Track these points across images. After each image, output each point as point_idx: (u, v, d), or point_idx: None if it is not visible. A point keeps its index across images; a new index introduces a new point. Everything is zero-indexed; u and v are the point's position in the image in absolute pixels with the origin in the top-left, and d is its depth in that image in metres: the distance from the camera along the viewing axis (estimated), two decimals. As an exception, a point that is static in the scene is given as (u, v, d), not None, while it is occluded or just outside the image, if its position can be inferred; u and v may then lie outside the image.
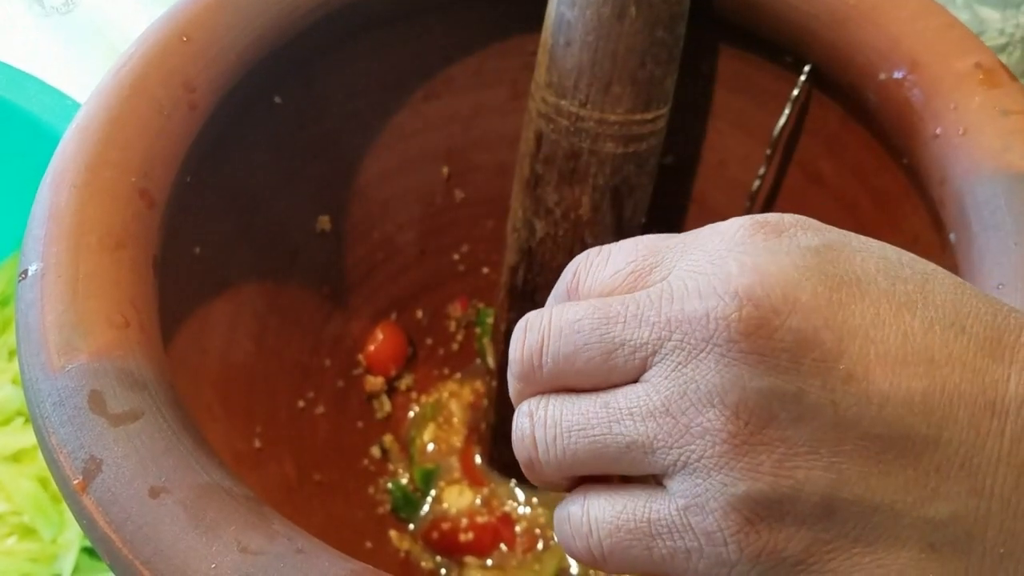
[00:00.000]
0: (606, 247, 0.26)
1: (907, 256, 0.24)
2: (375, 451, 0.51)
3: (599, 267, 0.25)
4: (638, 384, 0.23)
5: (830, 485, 0.22)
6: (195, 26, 0.38)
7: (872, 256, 0.23)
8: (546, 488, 0.26)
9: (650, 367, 0.23)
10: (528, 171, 0.42)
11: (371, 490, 0.50)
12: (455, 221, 0.52)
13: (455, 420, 0.54)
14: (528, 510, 0.51)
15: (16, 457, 0.54)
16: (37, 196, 0.35)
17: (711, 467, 0.22)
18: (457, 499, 0.52)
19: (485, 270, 0.54)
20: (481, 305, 0.55)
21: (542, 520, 0.51)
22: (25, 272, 0.33)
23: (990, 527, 0.22)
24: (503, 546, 0.50)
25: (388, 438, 0.52)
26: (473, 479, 0.52)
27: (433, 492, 0.52)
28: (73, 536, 0.52)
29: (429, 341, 0.55)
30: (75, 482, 0.29)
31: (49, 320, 0.32)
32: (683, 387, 0.22)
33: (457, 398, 0.55)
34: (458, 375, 0.56)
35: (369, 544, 0.47)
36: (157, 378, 0.32)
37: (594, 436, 0.24)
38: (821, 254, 0.23)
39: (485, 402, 0.52)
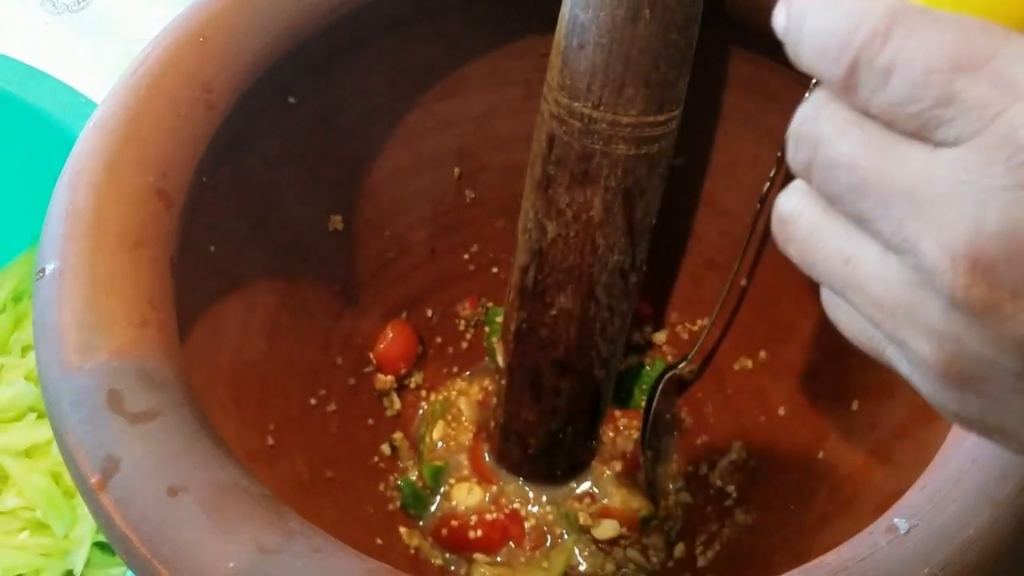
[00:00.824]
0: (891, 45, 0.21)
1: None
2: (385, 448, 0.52)
3: (878, 78, 0.22)
4: (880, 256, 0.23)
5: None
6: (212, 26, 0.38)
7: None
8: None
9: (893, 252, 0.22)
10: (540, 172, 0.42)
11: (381, 487, 0.50)
12: (466, 221, 0.52)
13: (464, 418, 0.54)
14: (537, 508, 0.52)
15: (29, 452, 0.54)
16: (54, 195, 0.35)
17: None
18: (466, 496, 0.52)
19: (495, 270, 0.54)
20: (491, 304, 0.55)
21: (551, 517, 0.51)
22: (43, 271, 0.34)
23: None
24: (512, 543, 0.51)
25: (398, 436, 0.52)
26: (482, 476, 0.53)
27: (442, 489, 0.52)
28: (85, 531, 0.52)
29: (439, 340, 0.55)
30: (93, 481, 0.30)
31: (67, 319, 0.32)
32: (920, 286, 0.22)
33: (466, 396, 0.55)
34: (467, 373, 0.56)
35: (379, 541, 0.47)
36: (175, 377, 0.32)
37: (837, 267, 0.24)
38: None
39: (494, 400, 0.52)
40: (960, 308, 0.21)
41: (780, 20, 0.24)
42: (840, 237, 0.23)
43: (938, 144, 0.21)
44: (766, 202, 0.47)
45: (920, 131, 0.21)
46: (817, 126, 0.23)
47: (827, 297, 0.26)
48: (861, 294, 0.23)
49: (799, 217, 0.24)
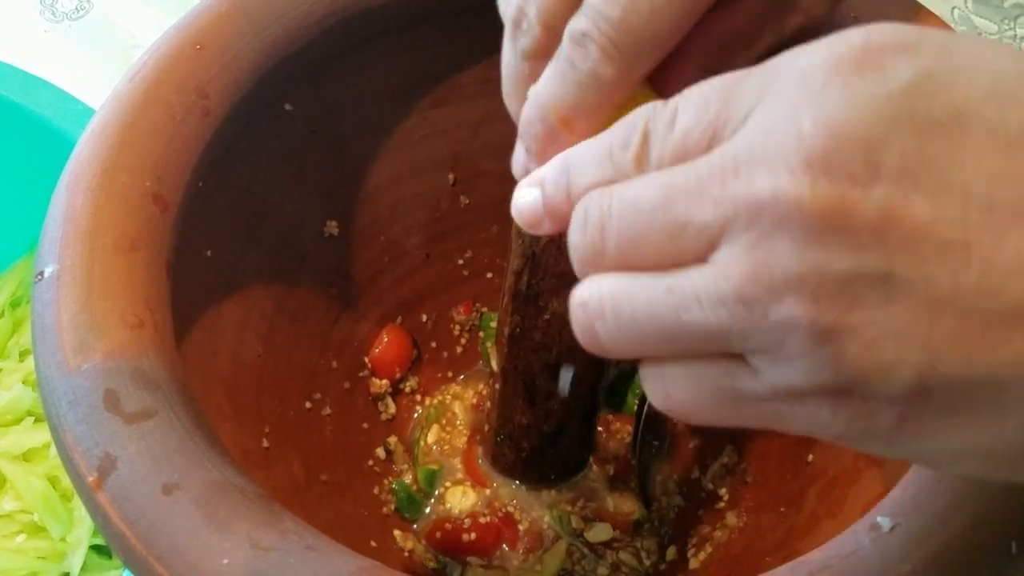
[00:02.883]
0: (672, 101, 0.23)
1: None
2: (380, 452, 0.52)
3: (666, 130, 0.23)
4: (706, 267, 0.21)
5: (924, 366, 0.20)
6: (208, 34, 0.39)
7: (981, 76, 0.20)
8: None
9: (718, 248, 0.21)
10: (533, 178, 0.43)
11: (376, 490, 0.51)
12: (460, 226, 0.53)
13: (458, 422, 0.55)
14: (530, 511, 0.52)
15: (26, 456, 0.55)
16: (53, 199, 0.36)
17: (793, 355, 0.20)
18: (460, 500, 0.52)
19: (489, 275, 0.55)
20: (485, 309, 0.56)
21: (544, 520, 0.51)
22: (41, 274, 0.34)
23: None
24: (505, 546, 0.51)
25: (393, 439, 0.53)
26: (476, 480, 0.53)
27: (437, 492, 0.52)
28: (82, 534, 0.52)
29: (433, 344, 0.55)
30: (90, 479, 0.30)
31: (65, 320, 0.33)
32: (755, 273, 0.20)
33: (460, 400, 0.56)
34: (462, 377, 0.56)
35: (374, 543, 0.48)
36: (170, 377, 0.32)
37: (662, 323, 0.22)
38: (914, 90, 0.20)
39: (488, 404, 0.52)
40: (811, 218, 0.20)
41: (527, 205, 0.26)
42: (652, 279, 0.22)
43: (733, 133, 0.22)
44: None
45: (714, 140, 0.22)
46: (599, 199, 0.23)
47: (654, 378, 0.24)
48: (700, 307, 0.21)
49: (600, 289, 0.23)
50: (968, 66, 0.20)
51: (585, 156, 0.25)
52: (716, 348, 0.22)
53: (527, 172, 0.27)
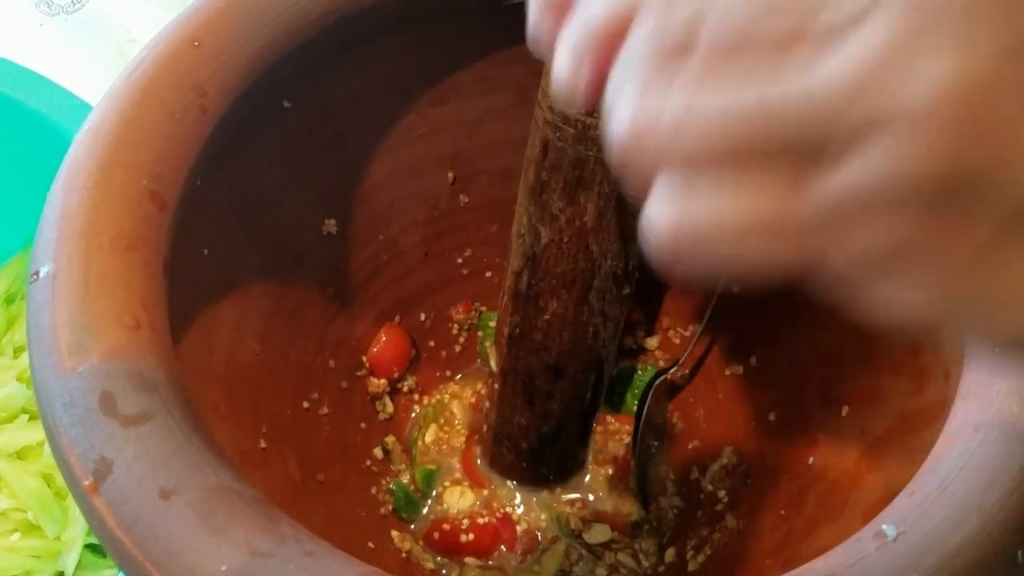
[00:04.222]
0: None
1: None
2: (378, 452, 0.52)
3: None
4: (827, 54, 0.18)
5: None
6: (206, 31, 0.39)
7: None
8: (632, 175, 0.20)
9: (847, 35, 0.18)
10: (534, 178, 0.42)
11: (373, 490, 0.50)
12: (459, 225, 0.53)
13: (456, 422, 0.55)
14: (528, 511, 0.52)
15: (20, 454, 0.54)
16: (49, 197, 0.36)
17: (910, 136, 0.17)
18: (458, 500, 0.52)
19: (488, 274, 0.54)
20: (484, 309, 0.55)
21: (542, 521, 0.51)
22: (37, 273, 0.34)
23: None
24: (503, 547, 0.51)
25: (390, 439, 0.52)
26: (474, 480, 0.53)
27: (434, 493, 0.52)
28: (76, 533, 0.52)
29: (432, 343, 0.55)
30: (86, 483, 0.30)
31: (60, 321, 0.32)
32: (904, 34, 0.17)
33: (459, 400, 0.55)
34: (460, 377, 0.56)
35: (371, 544, 0.47)
36: (167, 380, 0.32)
37: (753, 104, 0.18)
38: None
39: (486, 404, 0.52)
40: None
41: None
42: (739, 81, 0.18)
43: None
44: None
45: None
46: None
47: (687, 192, 0.19)
48: (801, 116, 0.18)
49: (667, 105, 0.19)
50: None
51: None
52: (809, 134, 0.18)
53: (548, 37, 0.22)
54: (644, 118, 0.19)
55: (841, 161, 0.18)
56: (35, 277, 0.34)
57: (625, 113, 0.19)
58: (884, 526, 0.29)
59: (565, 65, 0.21)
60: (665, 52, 0.19)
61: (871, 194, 0.18)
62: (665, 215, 0.19)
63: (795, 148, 0.18)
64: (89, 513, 0.30)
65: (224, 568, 0.28)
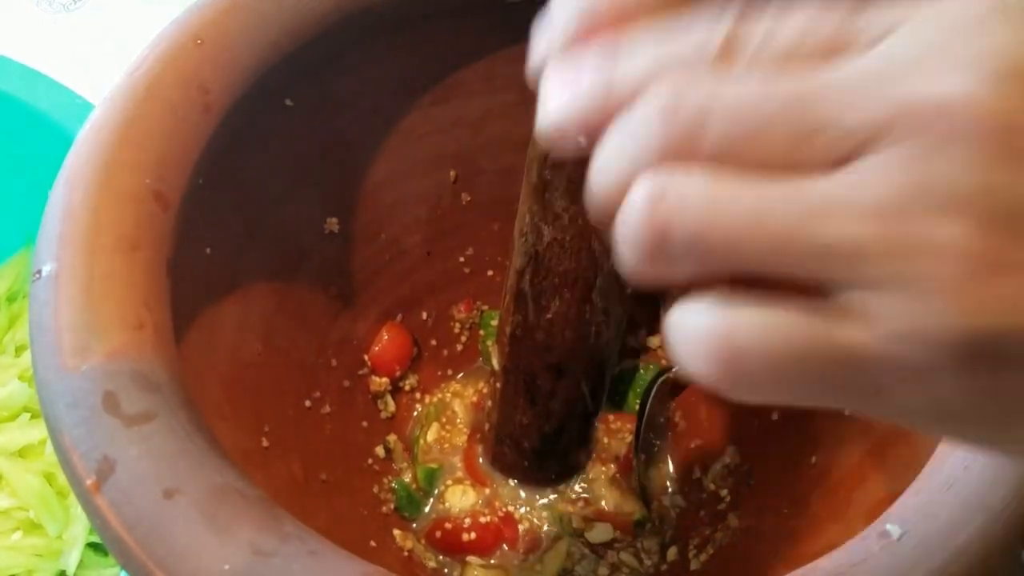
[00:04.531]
0: None
1: None
2: (379, 451, 0.52)
3: (772, 25, 0.19)
4: (843, 174, 0.18)
5: None
6: (209, 29, 0.38)
7: None
8: (653, 280, 0.19)
9: (861, 157, 0.18)
10: (537, 176, 0.42)
11: (375, 489, 0.50)
12: (461, 224, 0.53)
13: (458, 420, 0.55)
14: (530, 510, 0.52)
15: (22, 453, 0.54)
16: (51, 196, 0.35)
17: (936, 290, 0.17)
18: (460, 499, 0.52)
19: (490, 273, 0.54)
20: (486, 308, 0.55)
21: (544, 520, 0.51)
22: (39, 272, 0.34)
23: None
24: (505, 546, 0.51)
25: (392, 438, 0.52)
26: (476, 479, 0.53)
27: (436, 492, 0.52)
28: (78, 531, 0.52)
29: (434, 342, 0.55)
30: (88, 482, 0.30)
31: (63, 320, 0.32)
32: (916, 185, 0.17)
33: (460, 399, 0.55)
34: (462, 376, 0.56)
35: (373, 543, 0.47)
36: (170, 379, 0.32)
37: (772, 230, 0.18)
38: None
39: (488, 403, 0.52)
40: (991, 143, 0.17)
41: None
42: (762, 181, 0.18)
43: (875, 41, 0.18)
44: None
45: (836, 48, 0.18)
46: (692, 86, 0.18)
47: (721, 315, 0.18)
48: (835, 216, 0.17)
49: (686, 182, 0.18)
50: None
51: (642, 39, 0.19)
52: (830, 275, 0.18)
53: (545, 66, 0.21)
54: (664, 208, 0.18)
55: (872, 306, 0.18)
56: (37, 276, 0.33)
57: (642, 192, 0.18)
58: (888, 526, 0.29)
59: (563, 104, 0.20)
60: (675, 135, 0.18)
61: (900, 346, 0.18)
62: (704, 326, 0.18)
63: (826, 272, 0.18)
64: (92, 513, 0.30)
65: (227, 567, 0.28)
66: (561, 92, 0.20)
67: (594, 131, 0.20)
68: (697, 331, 0.18)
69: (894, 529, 0.29)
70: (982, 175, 0.17)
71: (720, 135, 0.18)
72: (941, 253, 0.17)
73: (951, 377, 0.18)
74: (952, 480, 0.30)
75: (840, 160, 0.18)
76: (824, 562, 0.29)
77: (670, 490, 0.52)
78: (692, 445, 0.53)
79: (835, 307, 0.18)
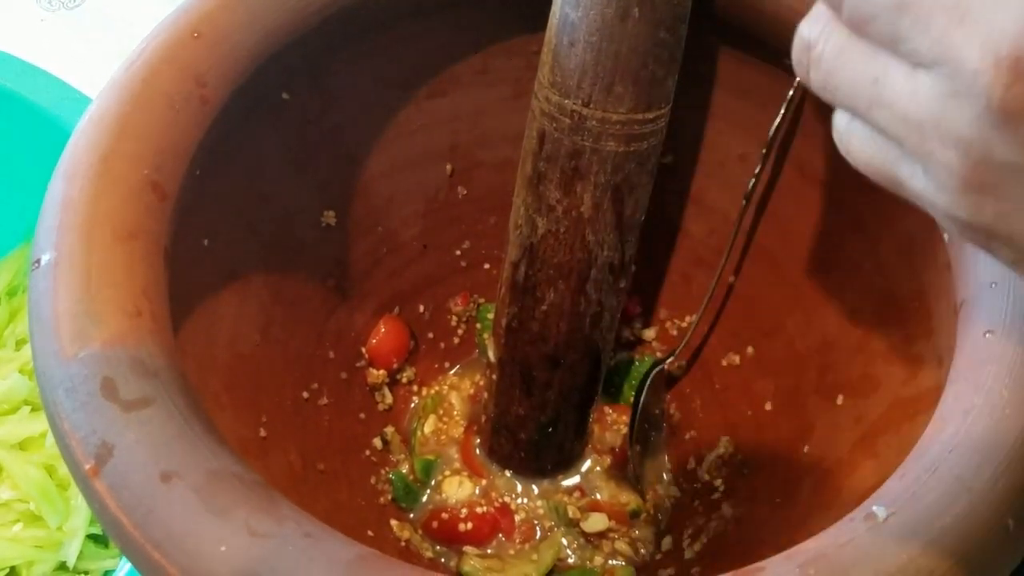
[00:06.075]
0: None
1: None
2: (377, 442, 0.52)
3: None
4: (911, 77, 0.23)
5: None
6: (206, 22, 0.39)
7: None
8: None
9: (926, 70, 0.23)
10: (531, 169, 0.43)
11: (373, 480, 0.51)
12: (457, 217, 0.53)
13: (455, 412, 0.55)
14: (526, 501, 0.52)
15: (23, 445, 0.55)
16: (50, 187, 0.36)
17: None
18: (457, 489, 0.52)
19: (486, 266, 0.55)
20: (482, 300, 0.56)
21: (540, 510, 0.52)
22: (38, 261, 0.34)
23: None
24: (501, 536, 0.51)
25: (390, 429, 0.53)
26: (473, 470, 0.53)
27: (433, 482, 0.52)
28: (79, 523, 0.52)
29: (430, 335, 0.55)
30: (87, 467, 0.30)
31: (62, 308, 0.33)
32: (939, 118, 0.22)
33: (457, 391, 0.56)
34: (458, 368, 0.56)
35: (370, 533, 0.48)
36: (168, 366, 0.32)
37: (863, 89, 0.24)
38: None
39: (485, 395, 0.52)
40: (995, 111, 0.21)
41: None
42: (868, 57, 0.24)
43: None
44: (751, 200, 0.48)
45: None
46: None
47: (842, 125, 0.26)
48: (889, 111, 0.24)
49: (825, 41, 0.25)
50: None
51: None
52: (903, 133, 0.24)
53: None
54: (812, 49, 0.26)
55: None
56: (37, 265, 0.34)
57: (801, 41, 0.26)
58: (875, 507, 0.29)
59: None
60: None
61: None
62: (836, 134, 0.26)
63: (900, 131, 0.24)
64: (91, 497, 0.30)
65: (224, 549, 0.28)
66: None
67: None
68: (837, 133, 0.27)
69: (880, 511, 0.29)
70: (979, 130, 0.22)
71: (850, 8, 0.24)
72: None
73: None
74: (937, 463, 0.30)
75: (916, 63, 0.23)
76: (811, 543, 0.29)
77: (665, 480, 0.52)
78: (687, 436, 0.53)
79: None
